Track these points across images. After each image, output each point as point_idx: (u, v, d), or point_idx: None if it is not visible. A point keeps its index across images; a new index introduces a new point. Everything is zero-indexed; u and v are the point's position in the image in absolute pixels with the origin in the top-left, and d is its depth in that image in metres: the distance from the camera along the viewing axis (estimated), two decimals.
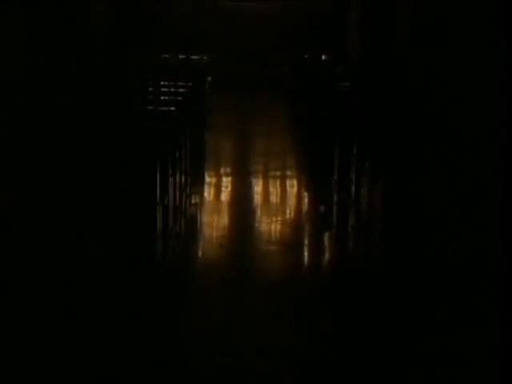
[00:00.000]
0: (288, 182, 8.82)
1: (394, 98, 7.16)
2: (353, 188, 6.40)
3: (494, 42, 4.44)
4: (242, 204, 7.78)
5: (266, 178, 8.89)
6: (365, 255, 5.70)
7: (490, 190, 3.92)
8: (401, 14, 9.28)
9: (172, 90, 7.64)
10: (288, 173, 9.15)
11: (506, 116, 3.68)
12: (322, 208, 7.47)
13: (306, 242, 6.88)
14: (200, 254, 6.41)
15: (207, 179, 8.65)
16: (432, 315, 4.24)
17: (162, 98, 7.17)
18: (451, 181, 4.45)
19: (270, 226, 7.09)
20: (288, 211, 7.71)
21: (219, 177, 8.93)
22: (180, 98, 7.04)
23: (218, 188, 8.51)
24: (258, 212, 7.57)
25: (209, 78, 10.98)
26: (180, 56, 11.06)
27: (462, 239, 4.18)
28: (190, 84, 8.09)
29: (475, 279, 3.84)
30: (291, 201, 8.16)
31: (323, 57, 11.68)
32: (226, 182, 8.76)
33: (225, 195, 8.27)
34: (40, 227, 4.71)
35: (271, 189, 8.59)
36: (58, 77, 7.10)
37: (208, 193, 8.21)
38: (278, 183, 8.80)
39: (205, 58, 11.23)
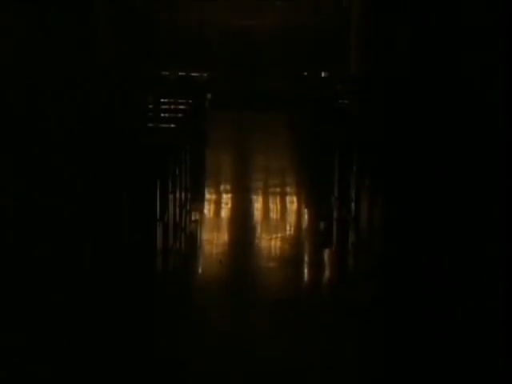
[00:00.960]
0: (288, 199, 8.82)
1: (393, 115, 7.18)
2: (353, 205, 6.39)
3: (493, 60, 4.46)
4: (241, 220, 7.78)
5: (265, 195, 8.90)
6: (365, 272, 5.69)
7: (491, 207, 3.92)
8: (401, 33, 9.31)
9: (172, 107, 7.65)
10: (288, 189, 9.16)
11: (506, 130, 3.69)
12: (321, 225, 7.47)
13: (305, 258, 6.88)
14: (200, 270, 6.41)
15: (207, 196, 8.66)
16: (433, 332, 4.23)
17: (162, 115, 7.19)
18: (452, 198, 4.45)
19: (269, 243, 7.09)
20: (288, 228, 7.71)
21: (219, 193, 8.94)
22: (180, 115, 7.05)
23: (218, 204, 8.52)
24: (258, 228, 7.57)
25: (209, 95, 11.00)
26: (180, 73, 11.08)
27: (464, 256, 4.18)
28: (190, 101, 8.11)
29: (477, 295, 3.84)
30: (291, 217, 8.16)
31: (323, 74, 11.71)
32: (226, 198, 8.77)
33: (225, 212, 8.27)
34: (39, 243, 4.70)
35: (271, 205, 8.59)
36: (58, 93, 7.11)
37: (208, 209, 8.21)
38: (277, 200, 8.81)
39: (205, 75, 11.25)
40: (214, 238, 7.24)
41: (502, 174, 3.70)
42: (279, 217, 8.16)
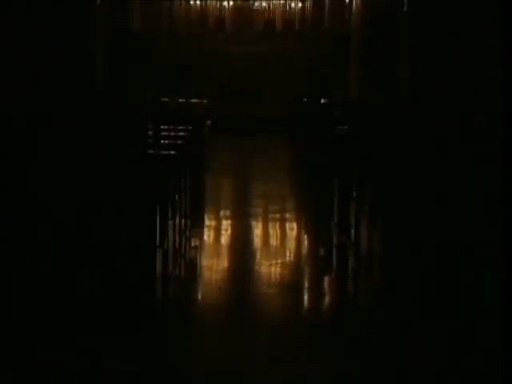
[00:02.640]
0: (287, 225, 8.82)
1: (393, 142, 7.20)
2: (352, 231, 6.40)
3: (493, 100, 4.48)
4: (241, 246, 7.77)
5: (265, 221, 8.90)
6: (365, 298, 5.69)
7: (490, 233, 3.93)
8: (400, 62, 9.36)
9: (172, 133, 7.67)
10: (287, 215, 9.16)
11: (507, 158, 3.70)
12: (321, 251, 7.47)
13: (305, 284, 6.87)
14: (199, 296, 6.39)
15: (207, 222, 8.66)
16: (434, 358, 4.22)
17: (162, 141, 7.21)
18: (451, 224, 4.46)
19: (269, 269, 7.08)
20: (288, 254, 7.71)
21: (219, 219, 8.94)
22: (180, 142, 7.08)
23: (217, 231, 8.51)
24: (258, 254, 7.56)
25: (209, 121, 11.03)
26: (180, 99, 11.12)
27: (464, 281, 4.18)
28: (190, 127, 8.13)
29: (478, 321, 3.83)
30: (291, 243, 8.15)
31: (322, 100, 11.76)
32: (226, 224, 8.77)
33: (224, 238, 8.27)
34: (38, 267, 4.70)
35: (271, 231, 8.59)
36: (56, 118, 7.14)
37: (208, 235, 8.21)
38: (277, 225, 8.81)
39: (205, 101, 11.29)
40: (214, 264, 7.24)
41: (503, 204, 3.71)
42: (279, 243, 8.16)
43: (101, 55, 9.75)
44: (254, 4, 16.31)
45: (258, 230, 8.44)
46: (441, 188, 4.92)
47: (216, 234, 8.38)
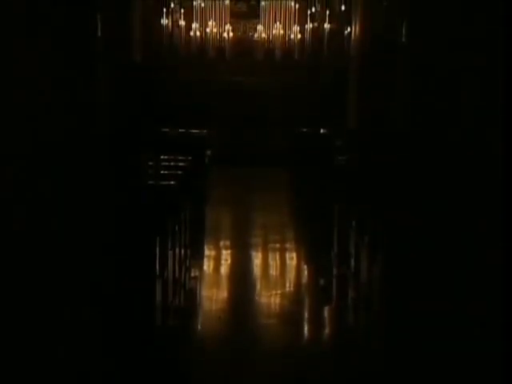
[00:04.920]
0: (287, 255, 8.82)
1: (393, 170, 7.21)
2: (352, 261, 6.40)
3: (493, 112, 4.50)
4: (241, 277, 7.77)
5: (265, 251, 8.90)
6: (365, 329, 5.68)
7: (491, 264, 3.93)
8: (400, 90, 9.41)
9: (172, 163, 7.69)
10: (287, 245, 9.16)
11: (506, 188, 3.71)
12: (321, 281, 7.46)
13: (305, 315, 6.85)
14: (199, 327, 6.38)
15: (207, 252, 8.66)
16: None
17: (162, 172, 7.22)
18: (451, 256, 4.46)
19: (269, 299, 7.07)
20: (287, 284, 7.70)
21: (219, 250, 8.94)
22: (180, 172, 7.10)
23: (217, 261, 8.51)
24: (258, 285, 7.56)
25: (208, 152, 11.06)
26: (180, 129, 11.15)
27: (464, 312, 4.18)
28: (190, 158, 8.15)
29: (479, 354, 3.82)
30: (291, 273, 8.15)
31: (322, 130, 11.80)
32: (226, 254, 8.77)
33: (224, 268, 8.27)
34: (38, 293, 4.70)
35: (271, 261, 8.59)
36: (58, 152, 7.15)
37: (207, 266, 8.20)
38: (277, 256, 8.80)
39: (205, 131, 11.32)
40: (214, 295, 7.23)
41: (502, 225, 3.72)
42: (279, 273, 8.15)
43: (102, 86, 9.79)
44: (253, 35, 16.42)
45: (257, 260, 8.44)
46: (441, 218, 4.93)
47: (216, 264, 8.37)
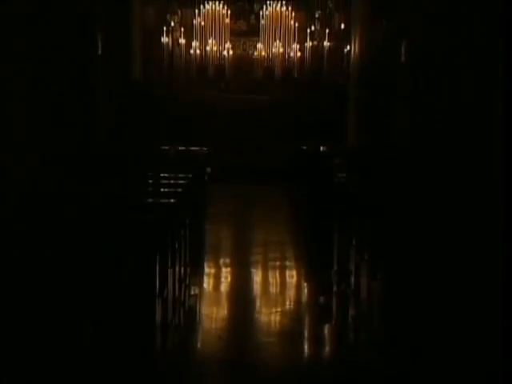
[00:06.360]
0: (287, 272, 8.81)
1: (393, 187, 7.23)
2: (352, 279, 6.39)
3: (492, 132, 4.52)
4: (241, 295, 7.75)
5: (265, 268, 8.89)
6: (365, 347, 5.66)
7: (492, 282, 3.93)
8: (399, 109, 9.44)
9: (172, 181, 7.69)
10: (287, 263, 9.15)
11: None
12: (321, 299, 7.45)
13: (305, 333, 6.84)
14: (199, 345, 6.37)
15: (206, 270, 8.65)
16: None
17: (162, 189, 7.23)
18: (452, 273, 4.46)
19: (269, 317, 7.06)
20: (287, 302, 7.69)
21: (218, 267, 8.93)
22: (180, 190, 7.10)
23: (217, 279, 8.51)
24: (258, 303, 7.54)
25: (208, 169, 11.07)
26: (180, 147, 11.17)
27: (465, 330, 4.17)
28: (190, 175, 8.16)
29: (480, 372, 3.81)
30: (291, 291, 8.14)
31: (321, 148, 11.81)
32: (226, 272, 8.76)
33: (224, 286, 8.26)
34: (40, 323, 4.70)
35: (271, 279, 8.58)
36: (58, 167, 7.18)
37: (207, 284, 8.19)
38: (277, 273, 8.79)
39: (204, 149, 11.34)
40: (214, 313, 7.22)
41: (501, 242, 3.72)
42: (279, 291, 8.14)
43: (101, 105, 9.83)
44: (253, 53, 16.48)
45: (257, 278, 8.43)
46: (442, 235, 4.93)
47: (216, 282, 8.36)
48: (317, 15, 16.34)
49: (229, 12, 16.27)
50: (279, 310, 7.25)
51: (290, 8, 16.24)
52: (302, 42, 16.24)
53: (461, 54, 5.92)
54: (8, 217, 5.05)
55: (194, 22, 16.27)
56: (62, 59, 7.79)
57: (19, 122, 6.56)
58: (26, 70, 6.87)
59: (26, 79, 6.89)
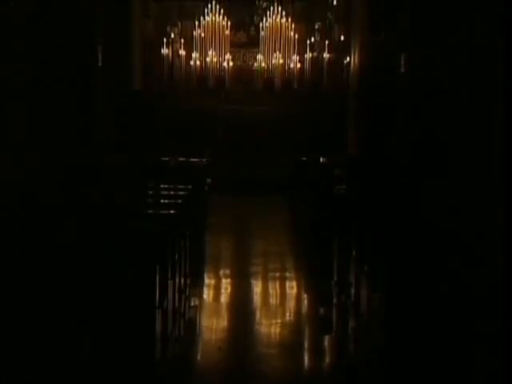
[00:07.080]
0: (287, 284, 8.80)
1: (393, 200, 7.23)
2: (352, 290, 6.38)
3: (492, 144, 4.52)
4: (241, 306, 7.75)
5: (265, 280, 8.88)
6: (365, 358, 5.65)
7: (491, 296, 3.92)
8: (400, 115, 9.45)
9: (172, 192, 7.69)
10: (287, 274, 9.14)
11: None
12: (321, 310, 7.44)
13: (305, 344, 6.83)
14: (199, 357, 6.36)
15: (206, 281, 8.64)
16: None
17: (162, 201, 7.23)
18: (453, 284, 4.46)
19: (269, 329, 7.05)
20: (287, 313, 7.68)
21: (218, 279, 8.92)
22: (180, 201, 7.10)
23: (217, 290, 8.50)
24: (258, 314, 7.54)
25: (208, 180, 11.07)
26: (180, 158, 11.17)
27: (466, 343, 4.17)
28: (190, 186, 8.16)
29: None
30: (291, 303, 8.13)
31: (321, 159, 11.82)
32: (226, 283, 8.75)
33: (224, 297, 8.25)
34: (39, 336, 4.69)
35: (271, 290, 8.57)
36: (58, 180, 7.17)
37: (207, 295, 8.19)
38: (277, 285, 8.79)
39: (204, 160, 11.34)
40: (214, 324, 7.21)
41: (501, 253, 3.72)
42: (279, 302, 8.13)
43: (101, 116, 9.84)
44: (253, 64, 16.51)
45: (257, 289, 8.42)
46: (443, 246, 4.93)
47: (216, 293, 8.36)
48: (316, 27, 16.39)
49: (229, 23, 16.31)
50: (279, 321, 7.24)
51: (289, 19, 16.28)
52: (301, 54, 16.28)
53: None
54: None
55: (194, 33, 16.31)
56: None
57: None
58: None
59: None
